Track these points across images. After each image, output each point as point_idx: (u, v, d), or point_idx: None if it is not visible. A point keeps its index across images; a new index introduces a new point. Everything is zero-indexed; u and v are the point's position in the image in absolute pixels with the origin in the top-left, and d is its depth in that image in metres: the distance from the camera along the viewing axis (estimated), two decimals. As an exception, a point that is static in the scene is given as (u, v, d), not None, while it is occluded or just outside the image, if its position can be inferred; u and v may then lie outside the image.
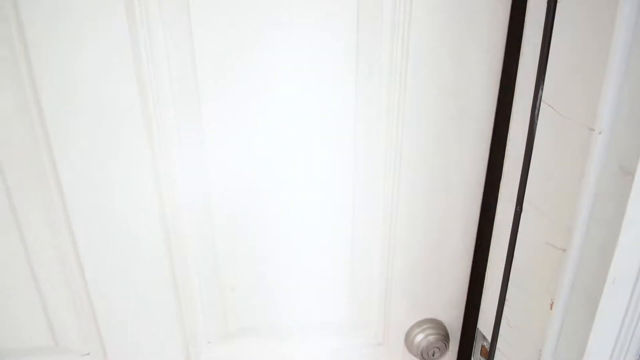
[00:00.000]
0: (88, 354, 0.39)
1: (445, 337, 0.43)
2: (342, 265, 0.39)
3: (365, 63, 0.36)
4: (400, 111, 0.35)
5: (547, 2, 0.37)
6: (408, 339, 0.42)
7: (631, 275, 0.34)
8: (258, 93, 0.34)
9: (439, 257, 0.43)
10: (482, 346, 0.53)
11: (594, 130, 0.33)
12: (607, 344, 0.37)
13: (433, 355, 0.43)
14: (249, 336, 0.38)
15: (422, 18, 0.37)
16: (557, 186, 0.37)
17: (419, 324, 0.42)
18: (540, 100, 0.38)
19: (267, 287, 0.37)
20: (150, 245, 0.34)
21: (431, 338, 0.43)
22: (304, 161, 0.35)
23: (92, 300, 0.36)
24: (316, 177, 0.36)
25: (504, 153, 0.44)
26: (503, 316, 0.47)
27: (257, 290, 0.37)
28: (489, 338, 0.51)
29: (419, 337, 0.42)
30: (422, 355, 0.41)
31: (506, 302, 0.47)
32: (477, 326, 0.55)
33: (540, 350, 0.41)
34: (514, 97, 0.44)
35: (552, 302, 0.38)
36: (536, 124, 0.39)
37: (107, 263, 0.34)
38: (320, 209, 0.36)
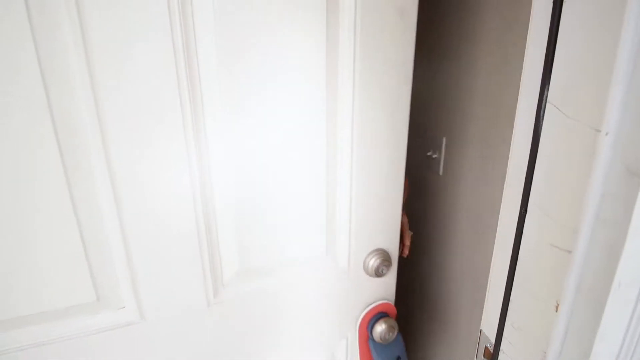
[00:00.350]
0: (124, 307, 0.47)
1: (388, 258, 0.63)
2: (320, 217, 0.56)
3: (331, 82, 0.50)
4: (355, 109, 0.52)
5: (553, 2, 0.37)
6: (365, 263, 0.62)
7: (638, 277, 0.34)
8: (261, 112, 0.46)
9: (382, 207, 0.62)
10: (486, 347, 0.53)
11: (600, 131, 0.33)
12: (613, 347, 0.36)
13: (382, 272, 0.62)
14: (254, 274, 0.54)
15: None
16: (563, 188, 0.37)
17: (371, 252, 0.62)
18: (546, 101, 0.38)
19: (268, 237, 0.53)
20: (182, 210, 0.45)
21: (379, 260, 0.61)
22: (295, 148, 0.50)
23: (132, 258, 0.45)
24: (302, 158, 0.51)
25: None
26: (507, 318, 0.47)
27: (261, 240, 0.52)
28: (493, 339, 0.51)
29: (372, 261, 0.61)
30: (375, 272, 0.61)
31: (510, 304, 0.46)
32: (481, 327, 0.55)
33: (545, 352, 0.40)
34: (519, 97, 0.44)
35: (558, 304, 0.38)
36: (541, 125, 0.39)
37: (145, 226, 0.44)
38: (303, 181, 0.52)
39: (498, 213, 0.72)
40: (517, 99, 0.47)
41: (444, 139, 1.00)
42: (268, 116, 0.47)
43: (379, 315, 0.66)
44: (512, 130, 0.67)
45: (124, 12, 0.36)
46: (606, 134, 0.33)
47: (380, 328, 0.64)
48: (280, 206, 0.52)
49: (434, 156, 1.06)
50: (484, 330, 0.53)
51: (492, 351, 0.50)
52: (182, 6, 0.38)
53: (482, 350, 0.53)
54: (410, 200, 1.41)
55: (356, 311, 0.65)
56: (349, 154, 0.54)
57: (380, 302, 0.68)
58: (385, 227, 0.63)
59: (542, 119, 0.39)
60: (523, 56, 0.60)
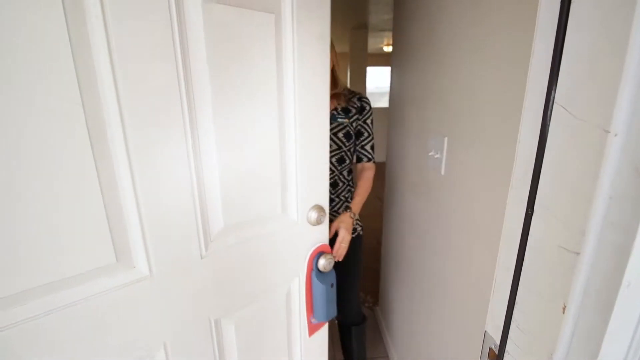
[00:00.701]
0: (134, 267, 0.58)
1: (323, 211, 0.86)
2: (277, 186, 0.77)
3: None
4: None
5: (561, 3, 0.37)
6: (308, 216, 0.84)
7: (647, 279, 0.34)
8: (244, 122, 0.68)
9: (315, 176, 0.84)
10: (490, 349, 0.53)
11: (609, 132, 0.33)
12: (621, 348, 0.36)
13: (320, 220, 0.86)
14: (234, 230, 0.70)
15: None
16: (571, 188, 0.37)
17: (311, 207, 0.84)
18: (553, 101, 0.38)
19: (243, 202, 0.71)
20: (182, 186, 0.60)
21: (317, 213, 0.85)
22: (259, 140, 0.71)
23: (143, 225, 0.56)
24: (263, 147, 0.72)
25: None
26: (513, 319, 0.47)
27: (238, 205, 0.70)
28: (498, 341, 0.51)
29: (312, 214, 0.84)
30: (316, 221, 0.84)
31: (516, 305, 0.46)
32: (485, 328, 0.54)
33: (551, 354, 0.40)
34: (525, 97, 0.43)
35: (565, 306, 0.38)
36: (548, 125, 0.39)
37: (154, 199, 0.56)
38: (264, 163, 0.73)
39: (501, 213, 0.72)
40: (521, 98, 0.47)
41: (446, 139, 1.00)
42: (241, 119, 0.67)
43: (320, 252, 0.92)
44: (515, 130, 0.67)
45: (142, 41, 0.51)
46: (615, 134, 0.32)
47: (322, 261, 0.91)
48: (249, 180, 0.71)
49: (436, 156, 1.06)
50: (488, 331, 0.53)
51: (496, 352, 0.50)
52: (182, 42, 0.55)
53: (486, 352, 0.53)
54: (412, 200, 1.41)
55: (305, 251, 0.89)
56: (294, 142, 0.77)
57: (321, 243, 0.92)
58: (318, 189, 0.87)
59: (549, 119, 0.39)
60: (527, 56, 0.60)
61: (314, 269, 0.91)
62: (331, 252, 0.95)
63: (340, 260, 1.12)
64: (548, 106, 0.39)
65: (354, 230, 1.34)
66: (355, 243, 1.34)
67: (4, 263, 0.45)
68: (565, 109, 0.37)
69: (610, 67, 0.32)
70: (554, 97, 0.38)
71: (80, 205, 0.50)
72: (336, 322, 1.54)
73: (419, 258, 1.33)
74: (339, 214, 1.30)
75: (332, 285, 0.96)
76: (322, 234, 0.92)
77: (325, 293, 0.94)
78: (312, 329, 1.01)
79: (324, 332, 1.03)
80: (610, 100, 0.32)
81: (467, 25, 0.87)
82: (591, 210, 0.35)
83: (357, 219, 1.33)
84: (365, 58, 5.75)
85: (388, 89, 1.78)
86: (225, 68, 0.63)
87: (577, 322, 0.38)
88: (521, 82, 0.64)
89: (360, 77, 5.85)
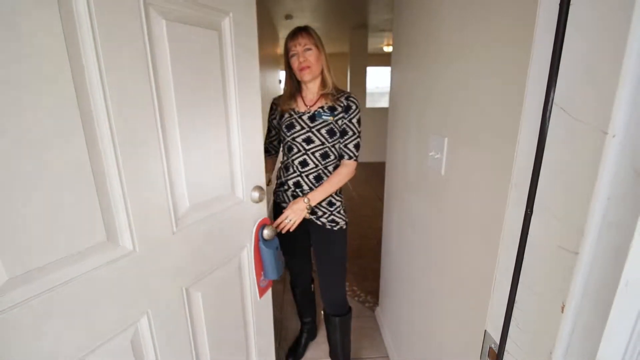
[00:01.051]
0: (120, 245, 0.68)
1: (262, 191, 1.07)
2: (227, 172, 0.96)
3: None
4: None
5: (560, 3, 0.37)
6: (251, 195, 1.05)
7: (645, 278, 0.34)
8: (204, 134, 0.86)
9: (255, 162, 1.05)
10: (490, 348, 0.53)
11: (607, 133, 0.33)
12: (619, 347, 0.36)
13: (261, 198, 1.06)
14: (197, 208, 0.86)
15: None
16: (569, 189, 0.37)
17: (253, 188, 1.05)
18: (552, 102, 0.38)
19: (202, 186, 0.87)
20: (158, 178, 0.73)
21: (258, 192, 1.05)
22: (210, 143, 0.89)
23: (128, 209, 0.67)
24: (216, 146, 0.91)
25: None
26: (512, 318, 0.47)
27: (199, 187, 0.86)
28: (498, 340, 0.51)
29: (254, 193, 1.05)
30: (258, 199, 1.05)
31: (515, 305, 0.46)
32: (485, 328, 0.55)
33: (551, 353, 0.40)
34: (524, 98, 0.44)
35: (564, 305, 0.38)
36: (547, 126, 0.39)
37: (137, 187, 0.68)
38: (219, 157, 0.92)
39: (501, 213, 0.72)
40: (520, 99, 0.47)
41: (446, 139, 1.01)
42: (198, 119, 0.83)
43: (264, 224, 1.12)
44: (515, 130, 0.67)
45: (126, 73, 0.64)
46: (613, 136, 0.33)
47: (266, 231, 1.11)
48: (207, 169, 0.88)
49: (437, 156, 1.07)
50: (488, 330, 0.54)
51: (496, 352, 0.51)
52: (155, 71, 0.70)
53: (486, 351, 0.53)
54: (412, 200, 1.41)
55: (251, 225, 1.08)
56: (238, 140, 0.97)
57: (263, 217, 1.13)
58: (257, 174, 1.08)
59: (549, 120, 0.39)
60: (527, 56, 0.60)
61: (260, 238, 1.11)
62: (271, 224, 1.15)
63: (284, 232, 1.31)
64: (547, 107, 0.39)
65: (336, 223, 1.38)
66: (337, 235, 1.39)
67: (19, 242, 0.52)
68: (564, 110, 0.38)
69: (609, 69, 0.33)
70: (553, 98, 0.38)
71: (78, 193, 0.59)
72: (322, 313, 1.59)
73: (419, 258, 1.33)
74: (322, 206, 1.35)
75: (277, 249, 1.17)
76: (263, 210, 1.13)
77: (272, 255, 1.15)
78: (262, 292, 1.20)
79: (269, 294, 1.24)
80: (608, 102, 0.33)
81: (467, 25, 0.87)
82: (590, 210, 0.35)
83: (342, 213, 1.38)
84: (366, 58, 5.75)
85: (388, 89, 1.78)
86: (185, 77, 0.77)
87: (576, 321, 0.38)
88: (521, 83, 0.64)
89: (360, 77, 5.85)
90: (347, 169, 1.36)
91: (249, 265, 1.09)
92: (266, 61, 3.62)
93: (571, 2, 0.36)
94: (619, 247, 0.34)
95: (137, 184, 0.68)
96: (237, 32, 0.90)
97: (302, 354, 1.82)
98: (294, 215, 1.29)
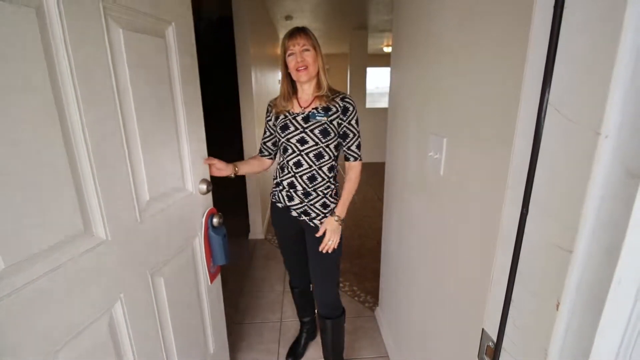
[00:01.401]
0: (94, 235, 0.76)
1: (209, 183, 1.20)
2: (179, 169, 1.07)
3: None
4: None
5: (554, 7, 0.38)
6: (200, 188, 1.16)
7: (637, 275, 0.35)
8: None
9: (199, 154, 1.17)
10: (487, 346, 0.54)
11: (600, 134, 0.34)
12: (613, 343, 0.37)
13: (208, 190, 1.18)
14: (155, 201, 0.96)
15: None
16: (564, 189, 0.38)
17: (200, 181, 1.17)
18: (547, 103, 0.39)
19: (159, 181, 0.97)
20: (124, 174, 0.83)
21: (205, 185, 1.17)
22: (160, 144, 0.98)
23: (101, 203, 0.75)
24: (169, 147, 1.03)
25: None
26: (509, 316, 0.48)
27: (157, 183, 0.96)
28: (495, 338, 0.52)
29: (202, 186, 1.17)
30: (205, 191, 1.17)
31: (512, 303, 0.47)
32: (482, 326, 0.55)
33: (546, 350, 0.41)
34: (520, 99, 0.44)
35: (559, 303, 0.39)
36: (542, 127, 0.40)
37: (109, 183, 0.77)
38: (171, 155, 1.03)
39: (498, 213, 0.73)
40: (517, 100, 0.48)
41: (445, 140, 1.01)
42: (153, 121, 0.94)
43: (212, 214, 1.25)
44: (512, 131, 0.68)
45: (92, 60, 0.72)
46: (606, 136, 0.33)
47: (215, 219, 1.25)
48: (162, 164, 0.99)
49: (436, 156, 1.07)
50: (485, 329, 0.54)
51: (494, 349, 0.51)
52: (119, 93, 0.80)
53: (484, 349, 0.54)
54: (411, 200, 1.41)
55: (200, 215, 1.20)
56: (185, 137, 1.09)
57: (210, 207, 1.25)
58: (203, 169, 1.20)
59: (543, 120, 0.40)
60: (524, 59, 0.61)
61: (209, 226, 1.24)
62: (217, 213, 1.28)
63: (330, 251, 1.37)
64: (542, 108, 0.40)
65: None
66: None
67: (8, 233, 0.57)
68: (558, 111, 0.38)
69: (601, 71, 0.33)
70: (547, 100, 0.39)
71: (57, 189, 0.66)
72: (315, 314, 1.60)
73: (418, 258, 1.34)
74: (316, 208, 1.36)
75: (225, 236, 1.29)
76: (209, 201, 1.26)
77: (221, 242, 1.27)
78: (212, 277, 1.32)
79: (219, 280, 1.40)
80: (601, 103, 0.33)
81: (466, 27, 0.88)
82: (584, 209, 0.36)
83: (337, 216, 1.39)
84: (365, 59, 5.76)
85: (387, 90, 1.79)
86: (140, 81, 0.86)
87: (571, 318, 0.39)
88: (518, 84, 0.65)
89: (361, 78, 5.86)
90: (355, 170, 1.38)
91: (201, 253, 1.22)
92: (266, 62, 3.62)
93: (565, 5, 0.37)
94: (612, 245, 0.34)
95: (107, 181, 0.77)
96: (179, 39, 1.02)
97: (302, 354, 1.82)
98: (333, 235, 1.36)
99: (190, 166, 1.12)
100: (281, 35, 5.35)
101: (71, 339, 0.69)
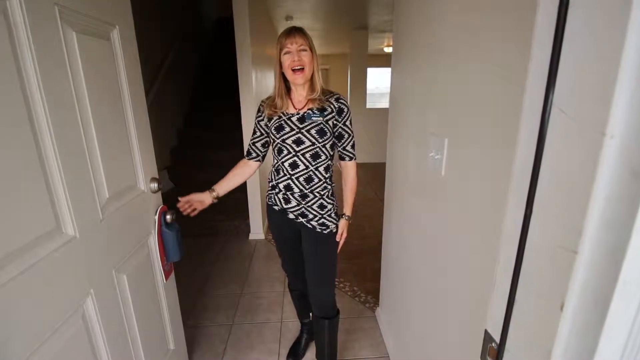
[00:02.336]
0: (64, 232, 0.80)
1: (159, 182, 1.28)
2: (131, 169, 1.16)
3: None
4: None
5: (559, 6, 0.38)
6: (151, 187, 1.26)
7: (642, 277, 0.35)
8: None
9: (149, 158, 1.26)
10: (490, 347, 0.54)
11: (605, 134, 0.33)
12: (618, 345, 0.37)
13: (157, 189, 1.27)
14: (113, 199, 1.04)
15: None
16: (568, 189, 0.38)
17: (150, 180, 1.26)
18: (551, 104, 0.39)
19: (117, 181, 1.07)
20: (87, 173, 0.90)
21: (155, 183, 1.27)
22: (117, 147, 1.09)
23: (69, 202, 0.80)
24: (121, 150, 1.12)
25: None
26: (512, 318, 0.47)
27: (113, 182, 1.04)
28: (498, 339, 0.51)
29: (152, 184, 1.27)
30: (156, 189, 1.27)
31: (515, 304, 0.47)
32: (485, 327, 0.55)
33: (550, 351, 0.41)
34: (523, 100, 0.44)
35: (563, 304, 0.39)
36: (546, 127, 0.40)
37: (77, 181, 0.85)
38: (124, 156, 1.13)
39: (500, 213, 0.73)
40: (519, 100, 0.48)
41: (447, 140, 1.01)
42: (106, 128, 1.00)
43: (164, 211, 1.32)
44: (514, 131, 0.67)
45: (52, 63, 0.77)
46: (611, 137, 0.33)
47: (168, 216, 1.32)
48: (117, 163, 1.06)
49: (437, 157, 1.07)
50: (488, 330, 0.54)
51: (497, 350, 0.51)
52: (77, 93, 0.86)
53: (487, 350, 0.54)
54: (412, 200, 1.41)
55: (153, 212, 1.29)
56: (135, 136, 1.15)
57: (162, 205, 1.33)
58: (152, 168, 1.27)
59: (548, 121, 0.39)
60: (525, 58, 0.61)
61: (162, 223, 1.30)
62: (167, 210, 1.35)
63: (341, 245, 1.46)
64: (546, 108, 0.39)
65: (326, 227, 1.40)
66: (326, 239, 1.40)
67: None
68: (562, 111, 0.38)
69: (607, 70, 0.33)
70: (552, 100, 0.39)
71: (32, 189, 0.71)
72: (310, 315, 1.62)
73: (419, 258, 1.34)
74: (313, 209, 1.36)
75: (178, 232, 1.34)
76: (160, 199, 1.35)
77: (174, 238, 1.32)
78: (167, 275, 1.37)
79: (173, 277, 1.48)
80: (606, 104, 0.33)
81: (467, 26, 0.88)
82: (589, 210, 0.36)
83: (332, 217, 1.41)
84: (366, 59, 5.77)
85: (387, 90, 1.79)
86: (93, 82, 0.92)
87: (575, 320, 0.39)
88: (520, 84, 0.65)
89: (361, 78, 5.86)
90: (352, 170, 1.41)
91: (156, 250, 1.30)
92: (266, 62, 3.63)
93: (570, 4, 0.37)
94: (617, 246, 0.34)
95: (74, 180, 0.82)
96: (124, 42, 1.09)
97: (303, 355, 1.82)
98: (344, 232, 1.44)
99: (140, 165, 1.19)
100: (281, 35, 5.35)
101: (52, 334, 0.73)
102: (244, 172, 1.48)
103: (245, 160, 1.47)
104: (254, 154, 1.46)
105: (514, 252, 0.46)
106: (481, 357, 0.56)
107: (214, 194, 1.40)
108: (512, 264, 0.46)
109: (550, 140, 0.40)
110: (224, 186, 1.44)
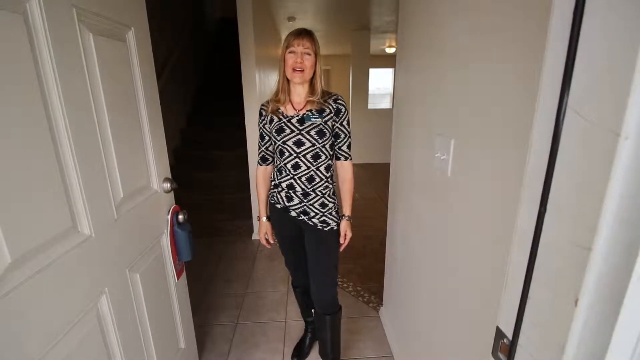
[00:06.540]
0: (80, 231, 0.81)
1: (171, 182, 1.29)
2: (145, 171, 1.18)
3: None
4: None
5: (574, 8, 0.39)
6: (164, 187, 1.27)
7: (656, 273, 0.36)
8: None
9: (161, 154, 1.29)
10: (502, 343, 0.55)
11: (620, 135, 0.35)
12: (631, 341, 0.38)
13: (171, 189, 1.32)
14: (128, 198, 1.06)
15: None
16: (583, 189, 0.39)
17: (164, 180, 1.27)
18: (566, 105, 0.40)
19: (131, 182, 1.09)
20: (103, 174, 0.91)
21: (168, 184, 1.32)
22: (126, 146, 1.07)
23: (86, 203, 0.82)
24: (135, 153, 1.12)
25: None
26: (525, 313, 0.49)
27: (128, 183, 1.06)
28: (509, 335, 0.53)
29: (165, 184, 1.28)
30: (169, 189, 1.31)
31: (528, 300, 0.48)
32: (497, 324, 0.56)
33: (563, 347, 0.42)
34: (537, 101, 0.45)
35: (577, 300, 0.40)
36: (561, 128, 0.41)
37: (93, 184, 0.86)
38: (138, 161, 1.15)
39: (509, 213, 0.74)
40: (531, 101, 0.49)
41: (453, 141, 1.02)
42: (123, 126, 1.03)
43: (177, 211, 1.34)
44: (522, 131, 0.68)
45: (70, 65, 0.78)
46: (626, 138, 0.34)
47: (181, 216, 1.34)
48: (132, 164, 1.07)
49: (443, 157, 1.08)
50: (500, 326, 0.55)
51: (509, 346, 0.52)
52: (93, 94, 0.88)
53: (498, 346, 0.55)
54: (417, 201, 1.42)
55: (166, 212, 1.30)
56: (149, 137, 1.18)
57: (174, 205, 1.35)
58: (165, 168, 1.30)
59: (562, 122, 0.41)
60: (535, 58, 0.62)
61: (175, 223, 1.32)
62: (182, 210, 1.37)
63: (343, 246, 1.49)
64: (561, 109, 0.41)
65: (327, 224, 1.43)
66: (327, 236, 1.43)
67: (15, 227, 0.62)
68: (577, 112, 0.39)
69: (622, 71, 0.34)
70: (566, 102, 0.40)
71: (50, 188, 0.72)
72: (313, 311, 1.64)
73: (424, 257, 1.35)
74: (315, 207, 1.39)
75: (190, 232, 1.37)
76: (172, 199, 1.37)
77: (187, 238, 1.34)
78: (179, 274, 1.39)
79: (185, 277, 1.50)
80: (621, 104, 0.34)
81: (475, 26, 0.89)
82: (603, 208, 0.37)
83: (334, 215, 1.44)
84: (368, 60, 5.78)
85: (389, 91, 1.81)
86: (109, 84, 0.93)
87: (589, 315, 0.40)
88: (529, 85, 0.66)
89: (363, 79, 5.87)
90: (348, 170, 1.44)
91: (168, 250, 1.32)
92: (269, 62, 3.64)
93: (585, 6, 0.38)
94: (631, 243, 0.35)
95: (90, 181, 0.83)
96: (139, 43, 1.10)
97: (307, 354, 1.83)
98: (349, 233, 1.47)
99: (154, 165, 1.21)
100: (283, 36, 5.36)
101: (66, 333, 0.74)
102: (267, 178, 1.56)
103: (263, 168, 1.53)
104: (270, 159, 1.51)
105: (527, 249, 0.47)
106: (492, 354, 0.57)
107: (265, 217, 1.55)
108: (526, 262, 0.47)
109: (565, 141, 0.41)
110: (266, 202, 1.57)
